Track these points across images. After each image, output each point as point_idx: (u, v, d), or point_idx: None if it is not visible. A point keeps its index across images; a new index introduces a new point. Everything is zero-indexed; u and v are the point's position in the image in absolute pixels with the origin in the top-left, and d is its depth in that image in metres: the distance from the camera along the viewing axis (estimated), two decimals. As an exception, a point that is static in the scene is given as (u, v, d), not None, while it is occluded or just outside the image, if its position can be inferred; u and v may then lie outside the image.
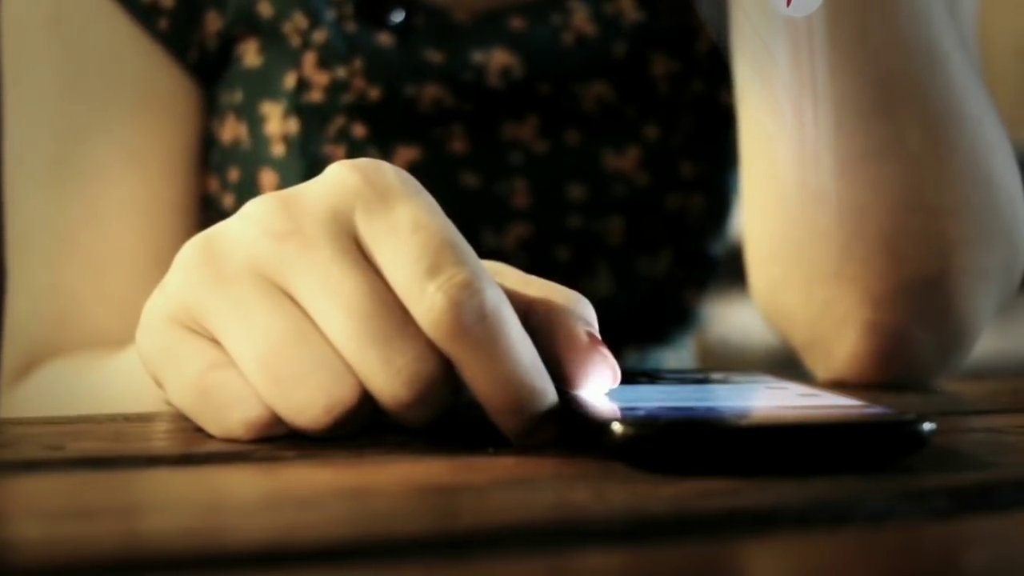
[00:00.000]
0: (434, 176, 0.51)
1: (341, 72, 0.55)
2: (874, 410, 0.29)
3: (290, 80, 0.55)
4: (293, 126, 0.55)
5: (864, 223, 0.48)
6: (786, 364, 0.59)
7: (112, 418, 0.36)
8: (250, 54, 0.57)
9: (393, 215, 0.30)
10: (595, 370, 0.31)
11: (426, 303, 0.29)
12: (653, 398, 0.32)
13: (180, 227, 0.57)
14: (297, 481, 0.27)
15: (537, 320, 0.31)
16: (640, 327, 0.63)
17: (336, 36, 0.55)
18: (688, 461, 0.27)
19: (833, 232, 0.49)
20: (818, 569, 0.21)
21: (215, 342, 0.31)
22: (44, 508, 0.24)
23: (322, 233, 0.30)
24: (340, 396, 0.29)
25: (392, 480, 0.27)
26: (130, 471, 0.28)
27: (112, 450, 0.30)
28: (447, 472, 0.28)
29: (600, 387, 0.31)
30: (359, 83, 0.55)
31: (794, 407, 0.31)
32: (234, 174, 0.58)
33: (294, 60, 0.55)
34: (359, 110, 0.55)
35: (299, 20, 0.55)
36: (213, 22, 0.57)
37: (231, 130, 0.57)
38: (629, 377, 0.36)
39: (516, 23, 0.57)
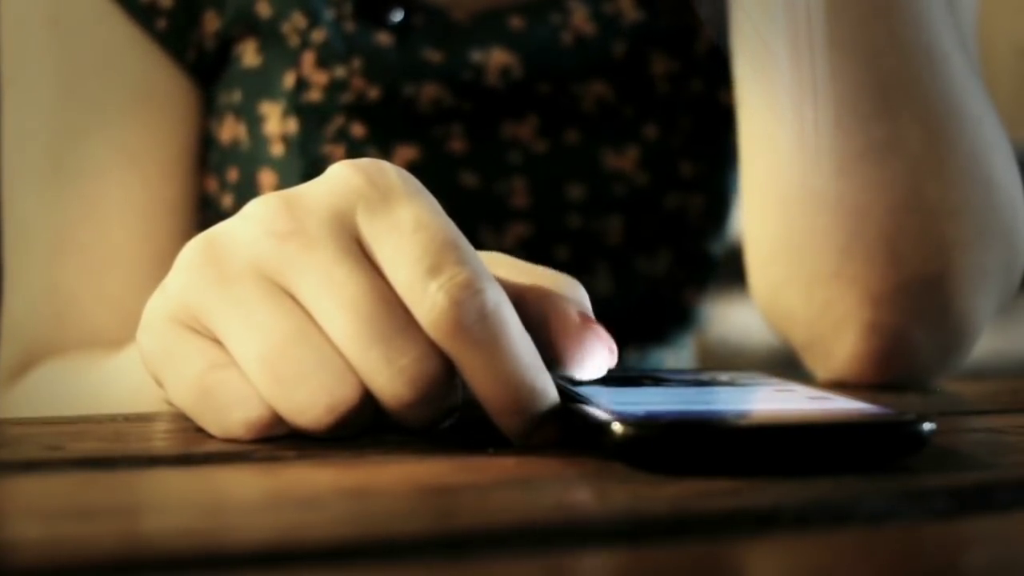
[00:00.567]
0: (433, 176, 0.51)
1: (340, 72, 0.55)
2: (874, 410, 0.29)
3: (289, 80, 0.55)
4: (292, 126, 0.55)
5: (864, 223, 0.48)
6: (786, 364, 0.59)
7: (112, 418, 0.36)
8: (249, 54, 0.56)
9: (395, 215, 0.30)
10: (590, 348, 0.31)
11: (427, 303, 0.29)
12: (653, 399, 0.32)
13: (178, 227, 0.57)
14: (298, 481, 0.27)
15: (530, 307, 0.31)
16: (640, 327, 0.63)
17: (335, 36, 0.55)
18: (688, 461, 0.27)
19: (833, 232, 0.49)
20: (818, 569, 0.21)
21: (216, 342, 0.31)
22: (44, 508, 0.24)
23: (324, 233, 0.30)
24: (342, 396, 0.29)
25: (392, 480, 0.27)
26: (130, 471, 0.28)
27: (112, 450, 0.30)
28: (447, 472, 0.28)
29: (598, 365, 0.31)
30: (358, 83, 0.55)
31: (794, 407, 0.31)
32: (233, 174, 0.57)
33: (293, 60, 0.55)
34: (358, 110, 0.55)
35: (298, 20, 0.55)
36: (212, 22, 0.56)
37: (230, 130, 0.57)
38: (633, 379, 0.36)
39: (515, 22, 0.57)
